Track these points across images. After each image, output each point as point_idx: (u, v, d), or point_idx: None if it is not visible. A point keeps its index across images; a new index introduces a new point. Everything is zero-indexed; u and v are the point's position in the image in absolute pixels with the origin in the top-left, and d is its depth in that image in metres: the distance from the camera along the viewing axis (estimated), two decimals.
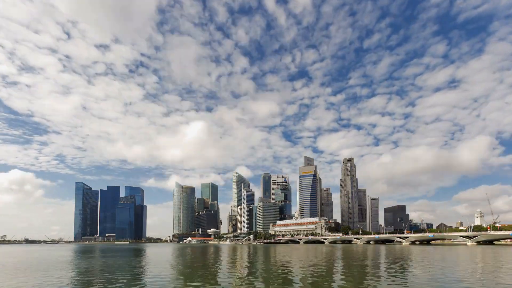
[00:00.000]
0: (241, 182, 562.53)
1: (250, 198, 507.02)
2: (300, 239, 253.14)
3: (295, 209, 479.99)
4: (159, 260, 50.84)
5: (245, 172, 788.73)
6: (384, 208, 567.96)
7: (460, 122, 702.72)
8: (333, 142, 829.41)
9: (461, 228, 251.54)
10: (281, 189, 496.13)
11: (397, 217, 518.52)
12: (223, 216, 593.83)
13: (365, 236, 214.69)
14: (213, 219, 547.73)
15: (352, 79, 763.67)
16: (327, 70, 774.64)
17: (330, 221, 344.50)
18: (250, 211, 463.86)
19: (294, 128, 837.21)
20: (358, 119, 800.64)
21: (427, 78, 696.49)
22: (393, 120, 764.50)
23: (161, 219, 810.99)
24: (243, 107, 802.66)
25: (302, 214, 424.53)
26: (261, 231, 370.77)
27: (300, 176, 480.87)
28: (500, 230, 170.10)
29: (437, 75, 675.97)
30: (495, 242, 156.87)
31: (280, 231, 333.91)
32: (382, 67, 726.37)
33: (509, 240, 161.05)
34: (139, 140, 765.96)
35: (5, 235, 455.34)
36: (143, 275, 29.85)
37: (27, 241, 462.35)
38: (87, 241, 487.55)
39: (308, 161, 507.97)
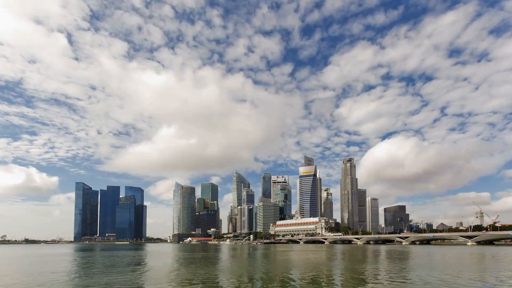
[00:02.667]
0: (241, 182, 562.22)
1: (250, 198, 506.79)
2: (300, 239, 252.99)
3: (295, 209, 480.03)
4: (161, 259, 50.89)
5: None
6: (384, 208, 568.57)
7: None
8: (360, 108, 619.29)
9: (461, 228, 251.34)
10: (281, 189, 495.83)
11: (397, 217, 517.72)
12: (223, 216, 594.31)
13: (365, 236, 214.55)
14: (213, 219, 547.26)
15: None
16: None
17: (330, 221, 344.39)
18: (250, 211, 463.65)
19: (308, 85, 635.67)
20: (408, 63, 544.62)
21: None
22: (460, 65, 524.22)
23: (161, 219, 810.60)
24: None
25: (302, 214, 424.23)
26: (261, 231, 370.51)
27: (300, 176, 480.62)
28: (500, 230, 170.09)
29: None
30: (495, 242, 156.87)
31: (280, 231, 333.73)
32: None
33: (509, 240, 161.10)
34: None
35: (5, 235, 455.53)
36: (143, 273, 29.92)
37: (27, 241, 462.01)
38: (87, 241, 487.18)
39: (308, 161, 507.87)
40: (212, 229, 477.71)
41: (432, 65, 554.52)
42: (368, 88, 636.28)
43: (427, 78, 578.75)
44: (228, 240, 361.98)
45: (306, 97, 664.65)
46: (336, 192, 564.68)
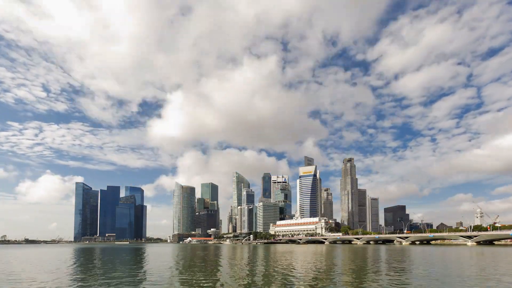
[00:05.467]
0: (241, 182, 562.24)
1: (250, 198, 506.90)
2: (300, 239, 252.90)
3: (295, 209, 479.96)
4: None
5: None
6: (384, 208, 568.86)
7: None
8: (418, 35, 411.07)
9: (461, 228, 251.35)
10: (281, 189, 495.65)
11: (397, 217, 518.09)
12: (223, 216, 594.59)
13: (365, 236, 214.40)
14: (213, 219, 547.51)
15: None
16: None
17: (330, 221, 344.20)
18: (250, 211, 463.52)
19: None
20: None
21: None
22: None
23: (161, 219, 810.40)
24: None
25: (302, 214, 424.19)
26: (261, 231, 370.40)
27: (300, 176, 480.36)
28: (500, 230, 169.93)
29: None
30: (495, 242, 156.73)
31: (280, 231, 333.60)
32: None
33: (509, 240, 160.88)
34: None
35: (5, 235, 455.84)
36: (143, 273, 29.87)
37: (27, 241, 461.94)
38: (87, 241, 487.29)
39: (308, 161, 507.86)
40: (212, 229, 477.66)
41: None
42: None
43: None
44: (228, 240, 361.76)
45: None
46: (336, 192, 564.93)
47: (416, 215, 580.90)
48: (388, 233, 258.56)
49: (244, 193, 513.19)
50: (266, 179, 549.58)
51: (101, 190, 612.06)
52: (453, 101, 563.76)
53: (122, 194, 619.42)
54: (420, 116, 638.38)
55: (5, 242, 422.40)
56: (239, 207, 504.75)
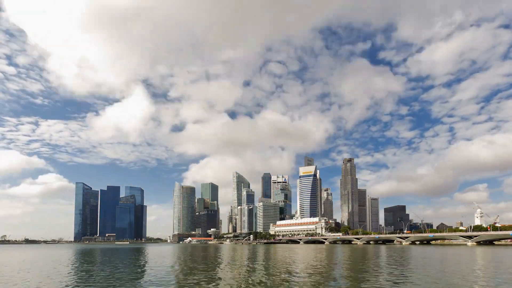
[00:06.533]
0: (241, 182, 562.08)
1: (250, 198, 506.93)
2: (300, 239, 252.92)
3: (295, 209, 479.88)
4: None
5: None
6: (384, 208, 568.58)
7: None
8: None
9: (461, 228, 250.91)
10: (281, 189, 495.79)
11: (397, 217, 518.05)
12: (223, 216, 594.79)
13: (365, 236, 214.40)
14: (213, 219, 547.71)
15: None
16: None
17: (330, 221, 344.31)
18: (250, 211, 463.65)
19: None
20: None
21: None
22: None
23: (161, 219, 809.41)
24: None
25: (302, 214, 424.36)
26: (261, 231, 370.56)
27: (300, 176, 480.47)
28: (500, 230, 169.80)
29: None
30: (495, 242, 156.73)
31: (280, 231, 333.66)
32: None
33: (509, 240, 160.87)
34: None
35: (5, 235, 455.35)
36: (144, 273, 29.84)
37: (27, 241, 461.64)
38: (87, 241, 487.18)
39: (308, 161, 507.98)
40: (212, 229, 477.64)
41: None
42: None
43: None
44: (228, 240, 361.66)
45: None
46: (336, 192, 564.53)
47: (416, 214, 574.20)
48: (388, 233, 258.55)
49: (244, 193, 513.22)
50: (266, 179, 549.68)
51: (101, 190, 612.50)
52: (484, 79, 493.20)
53: (122, 194, 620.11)
54: (441, 100, 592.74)
55: (5, 242, 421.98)
56: (239, 207, 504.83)
